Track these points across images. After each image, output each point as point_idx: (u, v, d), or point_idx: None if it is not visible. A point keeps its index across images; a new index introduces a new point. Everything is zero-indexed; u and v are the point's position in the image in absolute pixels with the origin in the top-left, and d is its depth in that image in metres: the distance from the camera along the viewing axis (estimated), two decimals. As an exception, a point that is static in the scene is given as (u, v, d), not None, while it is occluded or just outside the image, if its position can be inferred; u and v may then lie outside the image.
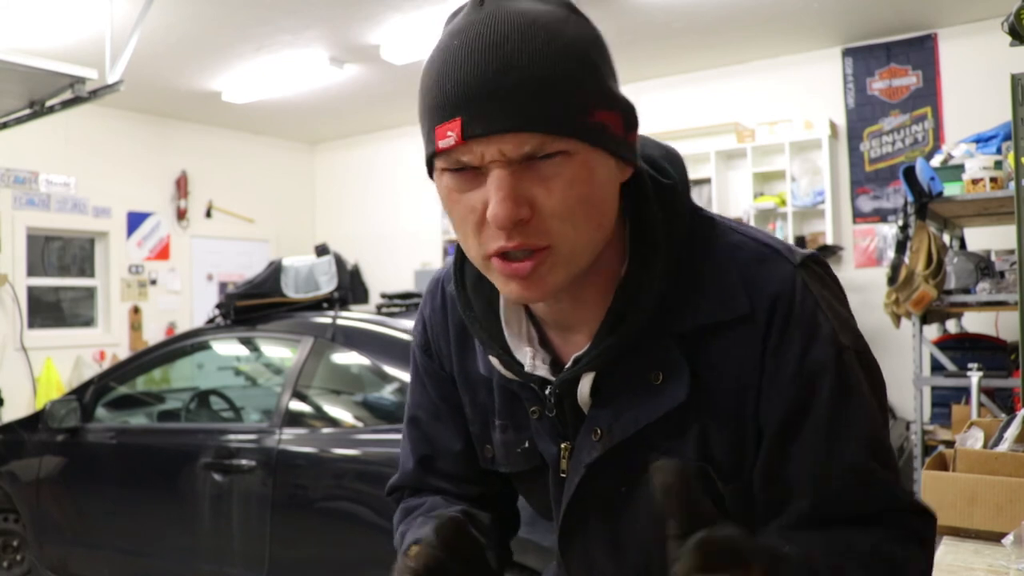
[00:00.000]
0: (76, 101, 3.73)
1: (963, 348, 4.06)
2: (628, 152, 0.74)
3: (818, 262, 0.80)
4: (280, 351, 3.36)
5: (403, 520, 0.96)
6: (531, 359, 0.82)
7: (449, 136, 0.68)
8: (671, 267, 0.77)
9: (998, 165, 3.70)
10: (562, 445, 0.84)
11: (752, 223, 4.72)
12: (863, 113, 5.62)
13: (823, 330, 0.75)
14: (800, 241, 5.66)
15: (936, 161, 4.07)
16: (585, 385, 0.81)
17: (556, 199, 0.69)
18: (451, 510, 0.91)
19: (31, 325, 6.34)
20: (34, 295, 6.45)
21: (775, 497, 0.77)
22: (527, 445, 0.88)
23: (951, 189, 3.82)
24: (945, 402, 4.07)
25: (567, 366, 0.81)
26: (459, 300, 0.86)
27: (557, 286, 0.73)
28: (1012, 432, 1.72)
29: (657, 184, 0.80)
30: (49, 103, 3.87)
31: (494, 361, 0.84)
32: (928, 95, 5.40)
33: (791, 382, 0.74)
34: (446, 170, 0.72)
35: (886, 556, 0.72)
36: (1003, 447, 1.70)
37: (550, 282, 0.72)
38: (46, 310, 6.58)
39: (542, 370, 0.82)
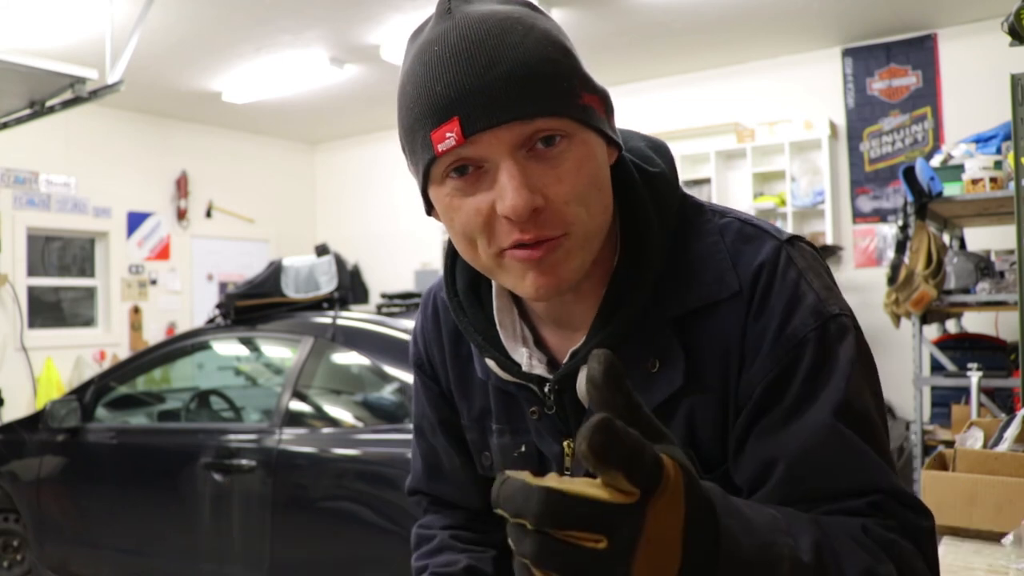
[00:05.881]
0: (76, 101, 3.74)
1: (963, 348, 4.06)
2: (613, 134, 0.75)
3: (805, 241, 0.79)
4: (280, 351, 3.36)
5: (417, 548, 1.01)
6: (527, 359, 0.82)
7: (448, 137, 0.67)
8: (663, 254, 0.77)
9: (998, 165, 3.70)
10: (564, 443, 0.84)
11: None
12: (863, 113, 5.62)
13: (806, 300, 0.72)
14: (800, 241, 5.66)
15: (936, 161, 4.07)
16: (583, 379, 0.79)
17: (567, 184, 0.68)
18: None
19: (31, 325, 6.34)
20: (34, 295, 6.44)
21: (746, 472, 0.72)
22: (524, 449, 0.88)
23: (951, 189, 3.82)
24: (945, 402, 4.07)
25: (564, 361, 0.80)
26: (451, 306, 0.86)
27: (576, 274, 0.72)
28: (1012, 432, 1.72)
29: (644, 173, 0.80)
30: (49, 103, 3.88)
31: (491, 363, 0.84)
32: (928, 95, 5.40)
33: (770, 352, 0.72)
34: (447, 175, 0.70)
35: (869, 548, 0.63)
36: (1003, 447, 1.70)
37: (568, 270, 0.71)
38: (46, 310, 6.57)
39: (539, 369, 0.81)
